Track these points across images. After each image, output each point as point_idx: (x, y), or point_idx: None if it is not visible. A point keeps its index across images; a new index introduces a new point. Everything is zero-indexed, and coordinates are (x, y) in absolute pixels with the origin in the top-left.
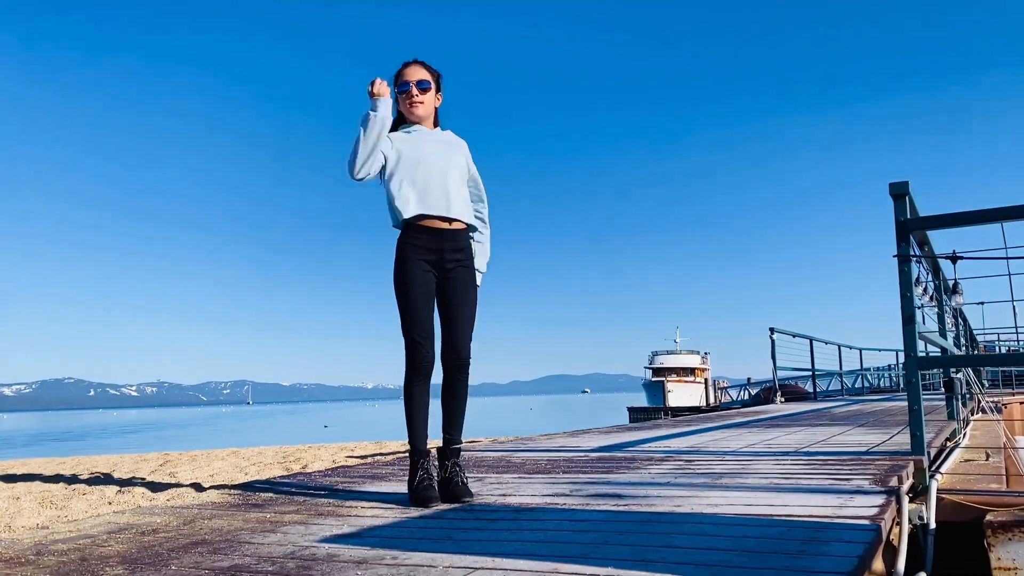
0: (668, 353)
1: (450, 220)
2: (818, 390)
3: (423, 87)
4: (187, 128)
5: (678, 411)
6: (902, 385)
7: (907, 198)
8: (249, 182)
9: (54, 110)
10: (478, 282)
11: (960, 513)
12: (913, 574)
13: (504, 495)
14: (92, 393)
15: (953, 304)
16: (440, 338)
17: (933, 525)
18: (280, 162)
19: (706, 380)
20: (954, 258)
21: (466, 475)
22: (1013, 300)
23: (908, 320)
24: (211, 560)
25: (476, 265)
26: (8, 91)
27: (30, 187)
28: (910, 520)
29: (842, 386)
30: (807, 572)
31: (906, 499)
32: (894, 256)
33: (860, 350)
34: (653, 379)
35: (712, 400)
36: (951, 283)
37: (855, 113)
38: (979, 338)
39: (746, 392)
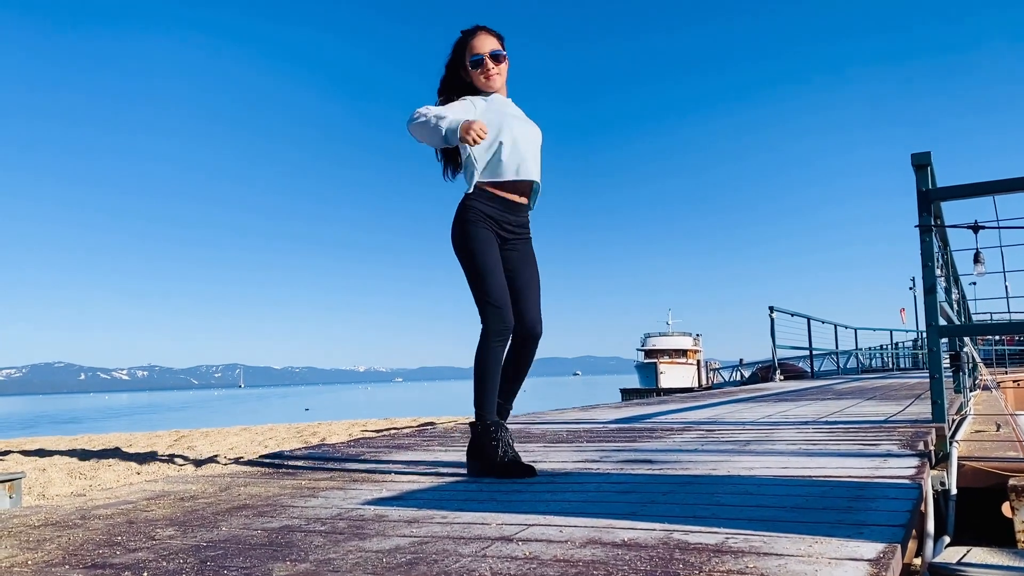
0: (660, 335)
1: (525, 194)
2: (814, 369)
3: (498, 58)
4: (174, 112)
5: (671, 392)
6: (899, 364)
7: (929, 168)
8: (237, 166)
9: (45, 93)
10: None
11: (980, 479)
12: (936, 538)
13: (534, 461)
14: (83, 377)
15: (975, 273)
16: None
17: (954, 491)
18: (269, 145)
19: (698, 361)
20: (975, 228)
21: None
22: (1004, 270)
23: (929, 290)
24: (260, 522)
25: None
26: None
27: (19, 172)
28: (932, 486)
29: (837, 365)
30: (861, 525)
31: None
32: (916, 227)
33: (855, 330)
34: (645, 361)
35: (704, 381)
36: (973, 253)
37: (852, 89)
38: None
39: (738, 373)
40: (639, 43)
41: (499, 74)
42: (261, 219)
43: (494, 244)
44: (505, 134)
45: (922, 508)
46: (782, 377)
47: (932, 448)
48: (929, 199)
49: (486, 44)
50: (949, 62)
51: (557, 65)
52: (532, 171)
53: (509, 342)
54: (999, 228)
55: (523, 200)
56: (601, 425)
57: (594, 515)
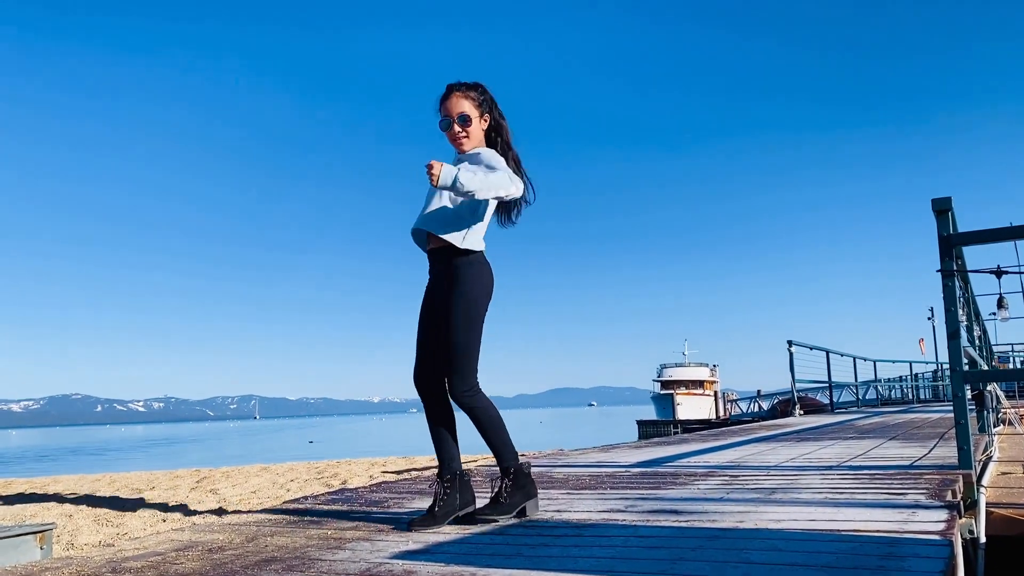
0: (677, 366)
1: (427, 241)
2: (833, 402)
3: (464, 122)
4: (195, 140)
5: (688, 424)
6: (919, 396)
7: (950, 214)
8: (255, 197)
9: (62, 117)
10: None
11: (1009, 527)
12: None
13: (559, 511)
14: (99, 409)
15: (1000, 319)
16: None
17: (983, 539)
18: (286, 177)
19: (715, 393)
20: (998, 272)
21: (506, 496)
22: None
23: (953, 335)
24: None
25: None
26: (13, 94)
27: (36, 201)
28: (960, 534)
29: (857, 398)
30: None
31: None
32: (938, 271)
33: (874, 362)
34: (662, 392)
35: (722, 413)
36: (996, 298)
37: (874, 124)
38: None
39: (756, 404)
40: (662, 70)
41: (467, 138)
42: (278, 250)
43: (424, 307)
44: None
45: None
46: (802, 412)
47: (960, 497)
48: (951, 244)
49: (454, 107)
50: (973, 103)
51: (569, 83)
52: (420, 221)
53: (428, 399)
54: (1021, 273)
55: (432, 245)
56: (624, 469)
57: (624, 574)
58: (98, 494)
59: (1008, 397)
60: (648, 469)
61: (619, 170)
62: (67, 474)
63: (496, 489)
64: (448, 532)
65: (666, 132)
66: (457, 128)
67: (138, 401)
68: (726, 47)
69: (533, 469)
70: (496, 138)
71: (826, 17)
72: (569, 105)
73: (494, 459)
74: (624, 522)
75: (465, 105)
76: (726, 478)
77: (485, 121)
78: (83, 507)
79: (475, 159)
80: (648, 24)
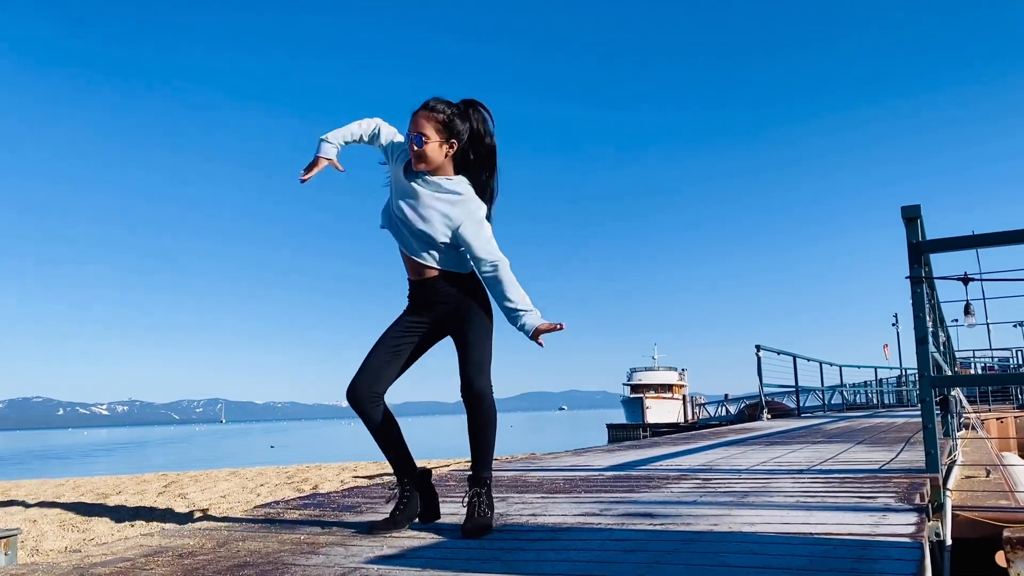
0: (646, 370)
1: (421, 268)
2: (800, 406)
3: (418, 142)
4: (160, 143)
5: (657, 427)
6: (884, 401)
7: (919, 221)
8: (220, 198)
9: (27, 121)
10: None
11: (975, 530)
12: None
13: (534, 515)
14: (61, 412)
15: (966, 325)
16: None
17: (949, 542)
18: (253, 177)
19: (684, 396)
20: (965, 280)
21: (484, 508)
22: (988, 322)
23: (921, 341)
24: None
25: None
26: None
27: None
28: (928, 536)
29: (823, 402)
30: None
31: None
32: (907, 278)
33: (840, 367)
34: (632, 396)
35: (690, 416)
36: (963, 304)
37: (844, 125)
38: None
39: (724, 408)
40: (633, 73)
41: (419, 158)
42: (243, 251)
43: (400, 321)
44: (396, 210)
45: None
46: (769, 416)
47: (928, 500)
48: (920, 251)
49: (415, 126)
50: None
51: (538, 91)
52: (412, 252)
53: (371, 410)
54: (984, 280)
55: (421, 277)
56: (597, 473)
57: None
58: (63, 499)
59: (970, 402)
60: (621, 472)
61: (591, 175)
62: (30, 478)
63: (468, 504)
64: (423, 536)
65: (640, 136)
66: (413, 148)
67: (102, 404)
68: (701, 53)
69: (507, 473)
70: (481, 174)
71: (793, 13)
72: (540, 107)
73: (466, 464)
74: (599, 525)
75: (426, 126)
76: (699, 481)
77: (451, 147)
78: (48, 512)
79: (462, 203)
80: (624, 23)
